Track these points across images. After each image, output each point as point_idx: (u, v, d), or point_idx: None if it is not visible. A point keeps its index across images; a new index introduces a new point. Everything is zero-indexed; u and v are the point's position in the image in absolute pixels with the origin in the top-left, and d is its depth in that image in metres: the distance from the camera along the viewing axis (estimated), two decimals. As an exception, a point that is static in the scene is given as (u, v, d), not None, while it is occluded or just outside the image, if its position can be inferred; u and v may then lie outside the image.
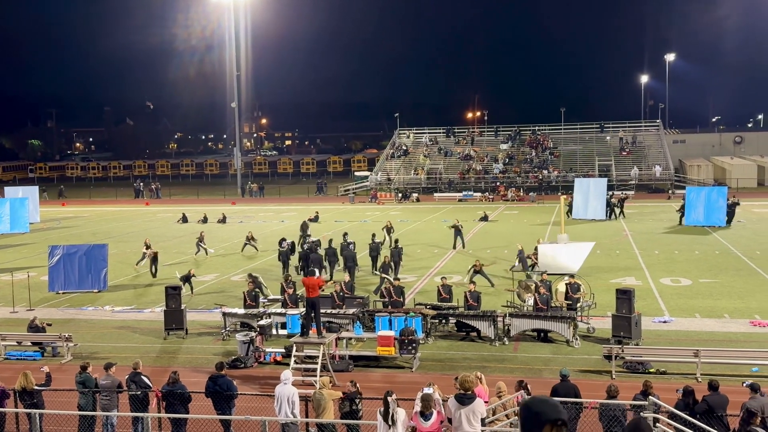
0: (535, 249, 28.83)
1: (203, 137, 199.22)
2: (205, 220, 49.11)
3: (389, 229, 35.86)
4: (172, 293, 21.41)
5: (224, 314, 21.32)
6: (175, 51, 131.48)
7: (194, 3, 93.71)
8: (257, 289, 22.91)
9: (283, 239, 31.89)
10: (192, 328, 21.73)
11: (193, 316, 22.83)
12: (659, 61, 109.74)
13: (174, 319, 21.25)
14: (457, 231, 35.14)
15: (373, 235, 31.82)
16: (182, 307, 21.49)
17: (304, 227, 36.61)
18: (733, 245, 33.97)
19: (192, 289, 26.60)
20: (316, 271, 19.32)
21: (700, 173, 68.89)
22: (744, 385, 13.29)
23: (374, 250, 30.07)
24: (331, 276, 28.35)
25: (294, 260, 30.89)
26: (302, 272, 27.80)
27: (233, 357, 18.68)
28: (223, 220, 49.04)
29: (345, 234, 31.96)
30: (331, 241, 30.99)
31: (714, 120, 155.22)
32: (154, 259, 30.99)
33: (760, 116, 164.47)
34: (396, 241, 30.69)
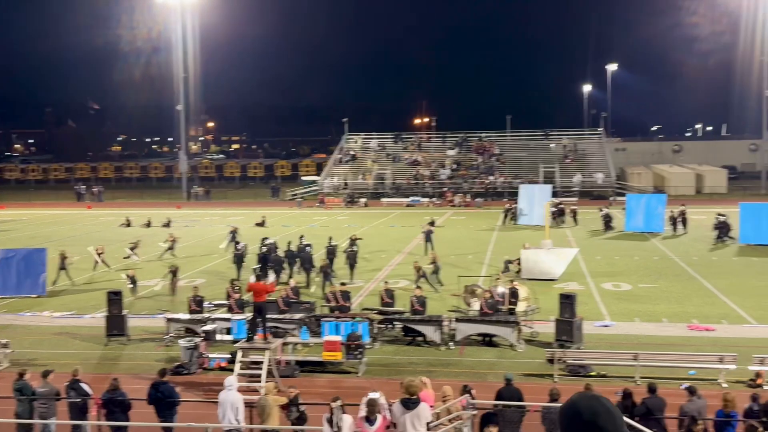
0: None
1: (148, 140, 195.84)
2: (149, 224, 48.33)
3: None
4: (114, 298, 21.02)
5: (168, 320, 21.01)
6: (121, 52, 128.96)
7: (140, 4, 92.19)
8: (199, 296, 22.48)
9: (238, 242, 32.04)
10: (134, 333, 21.36)
11: (135, 321, 22.43)
12: (601, 71, 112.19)
13: (115, 325, 20.86)
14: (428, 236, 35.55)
15: (330, 238, 31.84)
16: (124, 313, 21.11)
17: (233, 233, 35.88)
18: (672, 251, 34.88)
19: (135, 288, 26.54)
20: (270, 276, 19.18)
21: (641, 181, 70.51)
22: (681, 387, 13.68)
23: (331, 253, 30.34)
24: (290, 277, 27.91)
25: (249, 262, 30.84)
26: (260, 274, 27.52)
27: (176, 363, 18.41)
28: (167, 224, 48.30)
29: (301, 237, 32.09)
30: (289, 243, 30.94)
31: (654, 129, 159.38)
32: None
33: (699, 126, 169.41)
34: (351, 244, 30.71)
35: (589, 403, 2.95)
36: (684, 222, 40.35)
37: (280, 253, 30.09)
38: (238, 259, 30.47)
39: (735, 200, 49.75)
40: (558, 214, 45.59)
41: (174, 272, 27.25)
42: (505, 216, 46.99)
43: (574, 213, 46.58)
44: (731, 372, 16.68)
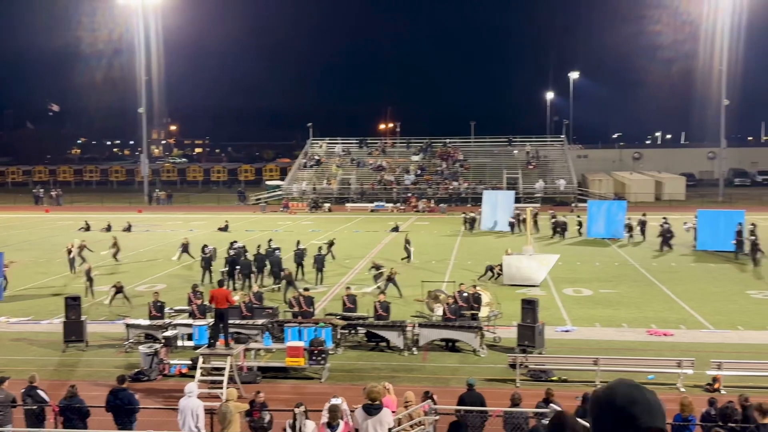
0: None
1: (109, 143, 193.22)
2: (108, 228, 47.63)
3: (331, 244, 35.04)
4: (72, 304, 20.65)
5: (127, 325, 20.71)
6: (81, 54, 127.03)
7: (102, 5, 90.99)
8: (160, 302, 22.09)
9: (206, 245, 31.97)
10: (93, 340, 21.01)
11: (94, 327, 22.07)
12: (564, 79, 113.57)
13: (73, 331, 20.49)
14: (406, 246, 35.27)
15: (298, 242, 31.89)
16: (82, 318, 20.77)
17: (184, 246, 34.71)
18: (632, 257, 35.38)
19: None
20: (228, 282, 18.99)
21: (602, 187, 71.47)
22: (640, 391, 13.84)
23: (299, 257, 30.60)
24: (260, 281, 28.89)
25: (216, 266, 30.95)
26: (228, 278, 28.29)
27: (136, 370, 18.16)
28: (128, 229, 47.66)
29: (270, 240, 32.60)
30: (258, 247, 31.07)
31: (615, 136, 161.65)
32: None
33: (658, 133, 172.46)
34: (319, 248, 31.12)
35: (627, 390, 2.75)
36: (643, 230, 40.79)
37: (249, 256, 30.25)
38: (206, 263, 30.36)
39: (693, 207, 50.69)
40: (516, 224, 45.77)
41: (119, 289, 25.69)
42: (464, 224, 46.97)
43: (535, 220, 46.96)
44: (689, 376, 16.96)
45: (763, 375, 17.02)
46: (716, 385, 16.53)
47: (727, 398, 13.72)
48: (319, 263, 29.51)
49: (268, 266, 29.60)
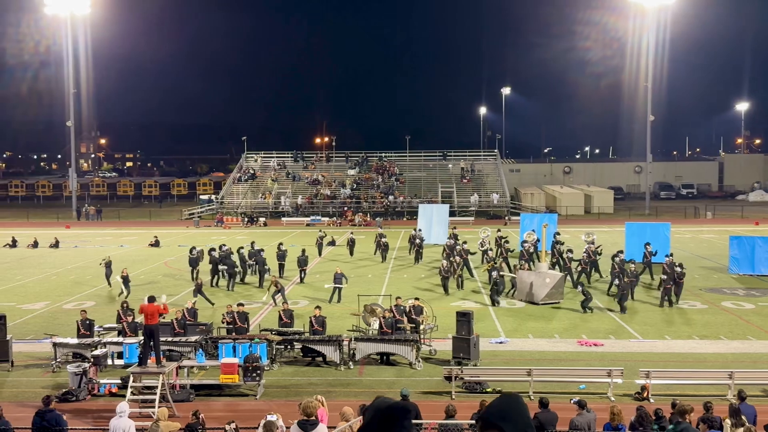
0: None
1: (35, 157, 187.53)
2: (35, 244, 46.21)
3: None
4: (-4, 323, 19.91)
5: (55, 344, 20.06)
6: (7, 65, 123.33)
7: (29, 16, 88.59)
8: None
9: (194, 247, 34.39)
10: (18, 359, 20.30)
11: (19, 347, 21.33)
12: (497, 94, 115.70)
13: (-2, 351, 19.74)
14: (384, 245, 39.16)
15: (280, 244, 35.25)
16: (8, 338, 20.03)
17: (108, 265, 32.29)
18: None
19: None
20: (159, 297, 18.59)
21: (534, 201, 72.87)
22: (572, 402, 14.12)
23: (281, 258, 33.91)
24: (243, 280, 32.95)
25: (203, 266, 33.26)
26: (214, 277, 31.88)
27: (64, 390, 17.60)
28: (55, 245, 46.31)
29: (253, 242, 35.72)
30: (240, 249, 34.10)
31: (546, 151, 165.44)
32: None
33: (587, 148, 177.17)
34: (303, 250, 33.78)
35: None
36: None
37: (235, 258, 32.89)
38: (193, 263, 32.98)
39: (621, 220, 52.15)
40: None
41: None
42: (411, 246, 44.44)
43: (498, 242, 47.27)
44: (618, 386, 17.38)
45: (689, 383, 17.57)
46: (645, 394, 16.99)
47: (655, 406, 14.10)
48: (302, 264, 32.88)
49: (254, 265, 33.05)
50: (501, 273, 29.28)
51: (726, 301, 28.51)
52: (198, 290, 27.84)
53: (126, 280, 29.79)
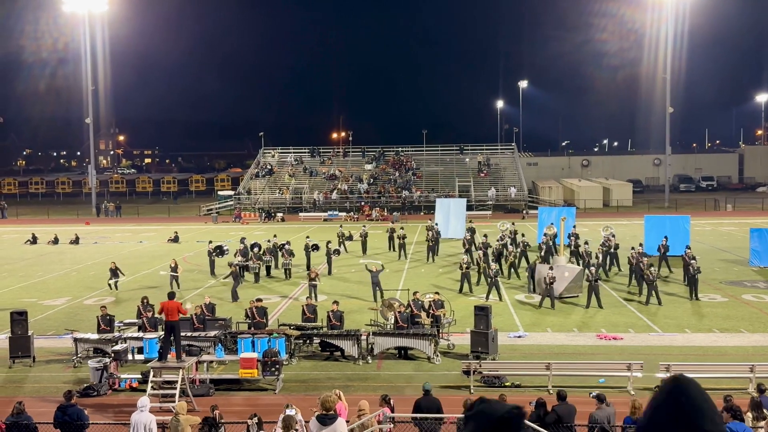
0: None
1: (55, 154, 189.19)
2: (56, 241, 46.64)
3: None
4: (18, 319, 20.14)
5: (75, 340, 20.26)
6: (26, 63, 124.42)
7: (47, 13, 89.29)
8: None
9: (210, 241, 35.42)
10: (40, 355, 20.52)
11: (41, 342, 21.56)
12: (514, 88, 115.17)
13: (20, 346, 19.97)
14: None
15: (307, 237, 36.93)
16: (29, 334, 20.25)
17: (113, 271, 31.50)
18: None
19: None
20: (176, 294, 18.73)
21: (551, 194, 72.57)
22: (591, 395, 14.06)
23: (312, 249, 35.26)
24: (269, 273, 33.65)
25: (221, 261, 34.05)
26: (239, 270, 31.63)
27: (85, 385, 17.78)
28: (75, 241, 46.72)
29: (274, 236, 38.07)
30: (267, 242, 35.64)
31: (564, 144, 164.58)
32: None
33: (605, 141, 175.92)
34: (328, 243, 35.01)
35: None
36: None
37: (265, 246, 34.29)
38: (219, 252, 34.20)
39: (640, 213, 51.81)
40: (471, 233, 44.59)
41: None
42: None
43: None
44: (638, 379, 17.28)
45: (709, 377, 17.43)
46: (664, 387, 16.85)
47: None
48: (329, 257, 34.10)
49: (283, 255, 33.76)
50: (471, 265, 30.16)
51: (746, 294, 28.26)
52: (236, 277, 29.09)
53: (114, 273, 30.59)
